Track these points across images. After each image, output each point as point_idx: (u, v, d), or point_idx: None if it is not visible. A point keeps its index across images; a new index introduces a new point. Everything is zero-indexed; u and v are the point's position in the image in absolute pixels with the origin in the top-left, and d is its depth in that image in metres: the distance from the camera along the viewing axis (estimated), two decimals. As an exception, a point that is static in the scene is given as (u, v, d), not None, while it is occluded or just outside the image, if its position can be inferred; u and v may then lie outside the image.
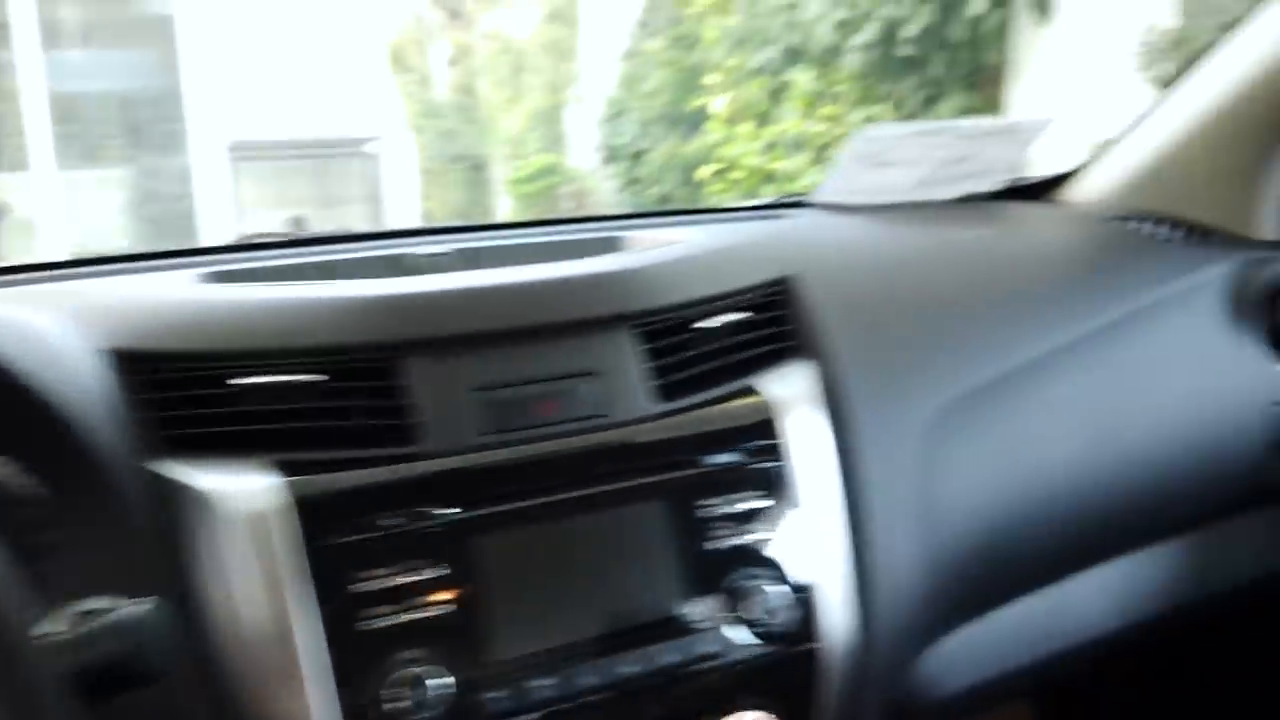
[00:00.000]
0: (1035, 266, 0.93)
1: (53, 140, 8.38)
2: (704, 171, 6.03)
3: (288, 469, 0.60)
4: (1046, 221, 1.07)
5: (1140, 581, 0.90)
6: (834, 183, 1.06)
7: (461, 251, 0.92)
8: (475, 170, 9.81)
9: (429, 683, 0.58)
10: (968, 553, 0.77)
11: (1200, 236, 0.99)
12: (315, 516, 0.59)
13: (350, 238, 0.98)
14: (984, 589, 0.81)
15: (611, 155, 7.88)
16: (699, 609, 0.67)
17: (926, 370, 0.80)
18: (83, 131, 8.81)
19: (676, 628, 0.66)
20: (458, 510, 0.63)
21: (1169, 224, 1.00)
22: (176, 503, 0.59)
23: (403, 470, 0.63)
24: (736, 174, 5.75)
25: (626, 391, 0.70)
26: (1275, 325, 0.92)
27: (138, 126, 8.99)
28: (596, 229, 1.08)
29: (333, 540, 0.60)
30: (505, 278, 0.72)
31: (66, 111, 8.58)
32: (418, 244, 0.96)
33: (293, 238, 1.00)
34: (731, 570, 0.68)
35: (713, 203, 5.62)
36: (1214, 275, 0.94)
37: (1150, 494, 0.87)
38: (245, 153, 8.94)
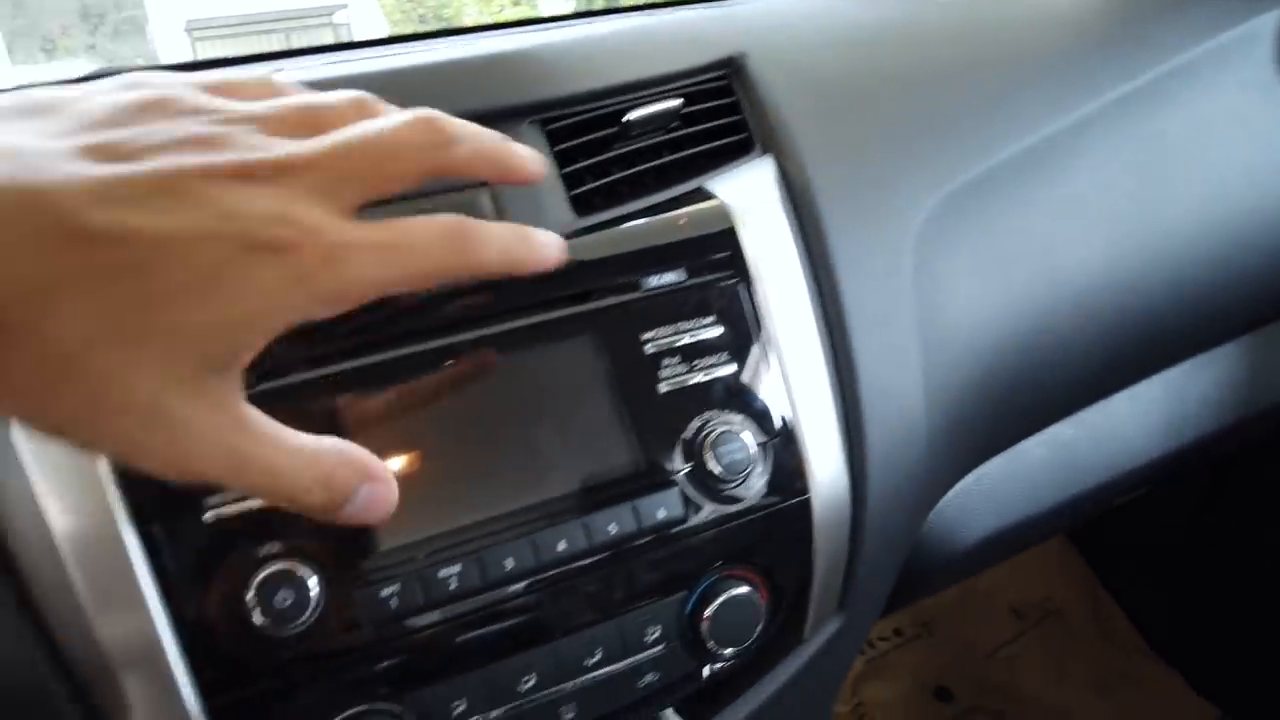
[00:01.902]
0: (1045, 24, 0.75)
1: (4, 35, 7.99)
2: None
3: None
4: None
5: (1190, 398, 0.76)
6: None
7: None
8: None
9: (295, 582, 0.46)
10: (979, 381, 0.63)
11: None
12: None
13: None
14: (1002, 422, 0.67)
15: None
16: (652, 466, 0.53)
17: (915, 160, 0.64)
18: (36, 25, 8.40)
19: (623, 491, 0.53)
20: (326, 364, 0.49)
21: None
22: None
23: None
24: None
25: (531, 204, 0.55)
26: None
27: (94, 14, 8.57)
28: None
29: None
30: (377, 65, 0.56)
31: (17, 6, 8.15)
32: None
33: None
34: (691, 417, 0.54)
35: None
36: (1268, 25, 0.77)
37: (1196, 294, 0.72)
38: (204, 31, 8.49)
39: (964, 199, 0.63)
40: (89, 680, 0.45)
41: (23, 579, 0.45)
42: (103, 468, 0.44)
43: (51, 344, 0.28)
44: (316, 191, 0.32)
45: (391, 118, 0.36)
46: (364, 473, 0.35)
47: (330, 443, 0.35)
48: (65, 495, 0.44)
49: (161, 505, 0.45)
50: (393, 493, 0.36)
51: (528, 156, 0.41)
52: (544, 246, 0.40)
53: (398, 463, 0.49)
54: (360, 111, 0.37)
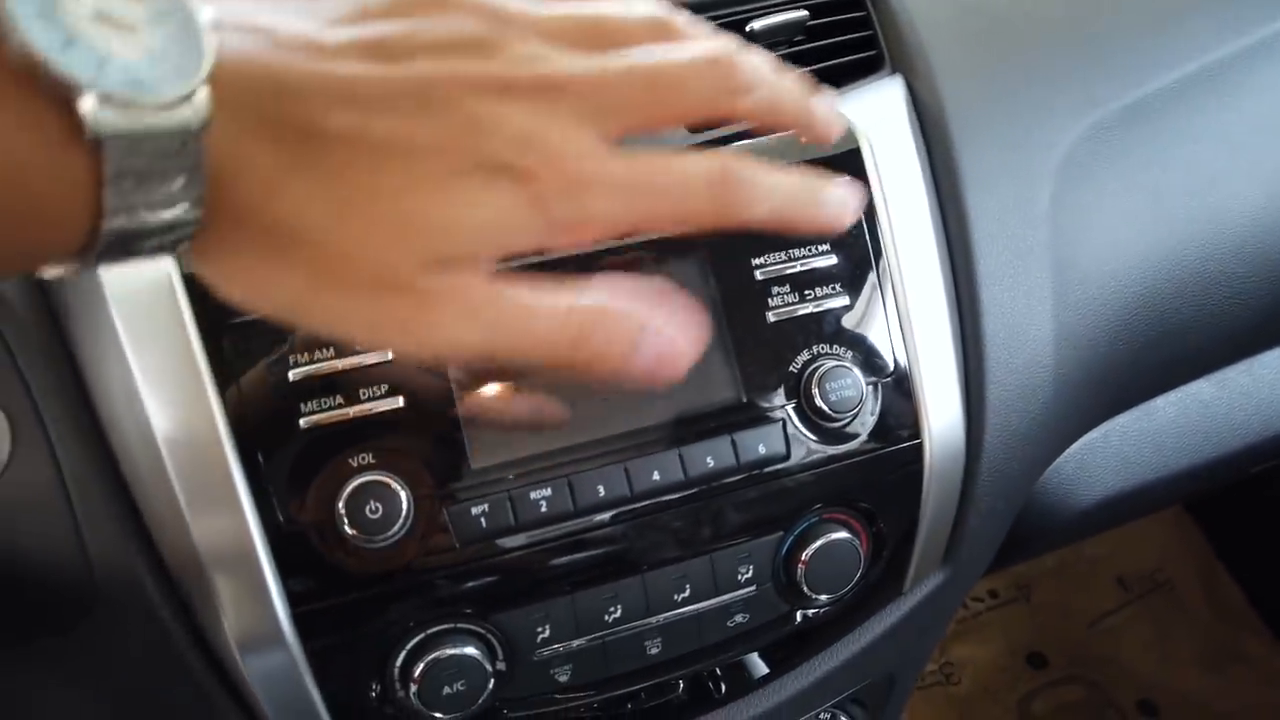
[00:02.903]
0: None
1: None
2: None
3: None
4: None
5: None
6: None
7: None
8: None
9: (386, 494, 0.45)
10: (1116, 327, 0.58)
11: None
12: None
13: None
14: (1137, 375, 0.62)
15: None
16: (754, 399, 0.51)
17: (1062, 84, 0.59)
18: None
19: (723, 424, 0.50)
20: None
21: None
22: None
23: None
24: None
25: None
26: None
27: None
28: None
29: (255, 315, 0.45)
30: None
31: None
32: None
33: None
34: (799, 349, 0.51)
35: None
36: None
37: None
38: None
39: (1116, 127, 0.58)
40: (182, 579, 0.45)
41: (122, 475, 0.45)
42: (205, 371, 0.44)
43: (278, 224, 0.28)
44: (578, 114, 0.30)
45: (686, 48, 0.33)
46: (639, 323, 0.32)
47: (589, 292, 0.32)
48: (167, 398, 0.44)
49: (260, 411, 0.45)
50: (683, 341, 0.33)
51: (829, 118, 0.36)
52: (832, 204, 0.35)
53: (493, 386, 0.48)
54: (656, 33, 0.33)
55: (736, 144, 0.53)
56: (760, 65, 0.34)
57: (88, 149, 0.25)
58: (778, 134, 0.53)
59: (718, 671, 0.62)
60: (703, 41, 0.33)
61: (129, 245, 0.27)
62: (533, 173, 0.29)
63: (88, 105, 0.25)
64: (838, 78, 0.57)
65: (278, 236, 0.28)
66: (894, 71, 0.57)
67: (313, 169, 0.28)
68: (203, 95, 0.26)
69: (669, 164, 0.32)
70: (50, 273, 0.29)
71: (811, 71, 0.56)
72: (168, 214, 0.27)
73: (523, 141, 0.30)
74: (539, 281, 0.31)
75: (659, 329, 0.32)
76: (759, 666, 0.62)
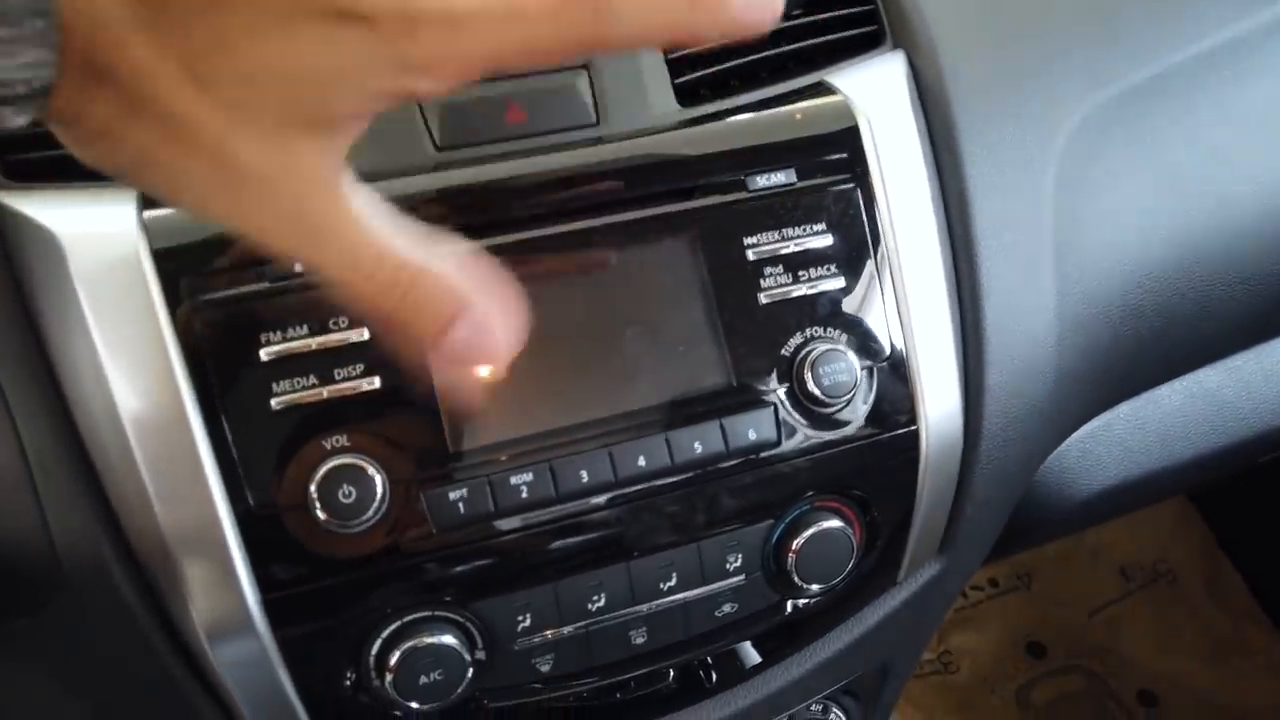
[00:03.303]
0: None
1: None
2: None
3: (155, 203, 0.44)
4: None
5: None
6: None
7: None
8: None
9: (360, 478, 0.43)
10: (1122, 312, 0.57)
11: None
12: (202, 260, 0.43)
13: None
14: (1142, 362, 0.60)
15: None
16: (745, 383, 0.49)
17: (1069, 63, 0.57)
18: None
19: (712, 408, 0.48)
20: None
21: None
22: (17, 244, 0.44)
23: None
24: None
25: (634, 92, 0.50)
26: None
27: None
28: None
29: (227, 292, 0.44)
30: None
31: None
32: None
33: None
34: (792, 332, 0.50)
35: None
36: None
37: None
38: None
39: (1124, 107, 0.56)
40: (149, 563, 0.44)
41: (88, 455, 0.43)
42: (173, 348, 0.42)
43: (128, 83, 0.27)
44: None
45: None
46: (465, 302, 0.30)
47: (440, 256, 0.30)
48: (134, 376, 0.42)
49: (229, 391, 0.43)
50: (500, 340, 0.31)
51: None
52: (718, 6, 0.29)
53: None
54: None
55: (732, 118, 0.51)
56: None
57: None
58: (772, 110, 0.52)
59: (708, 661, 0.61)
60: None
61: None
62: (371, 13, 0.28)
63: None
64: (837, 53, 0.55)
65: (127, 97, 0.28)
66: (895, 47, 0.55)
67: (159, 21, 0.27)
68: None
69: None
70: None
71: (810, 46, 0.54)
72: (25, 57, 0.26)
73: None
74: (401, 220, 0.30)
75: (483, 315, 0.31)
76: (751, 656, 0.61)
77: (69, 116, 0.28)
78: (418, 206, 0.45)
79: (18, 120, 0.28)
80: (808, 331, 0.50)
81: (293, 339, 0.43)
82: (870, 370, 0.51)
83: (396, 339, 0.31)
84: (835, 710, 0.65)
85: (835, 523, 0.52)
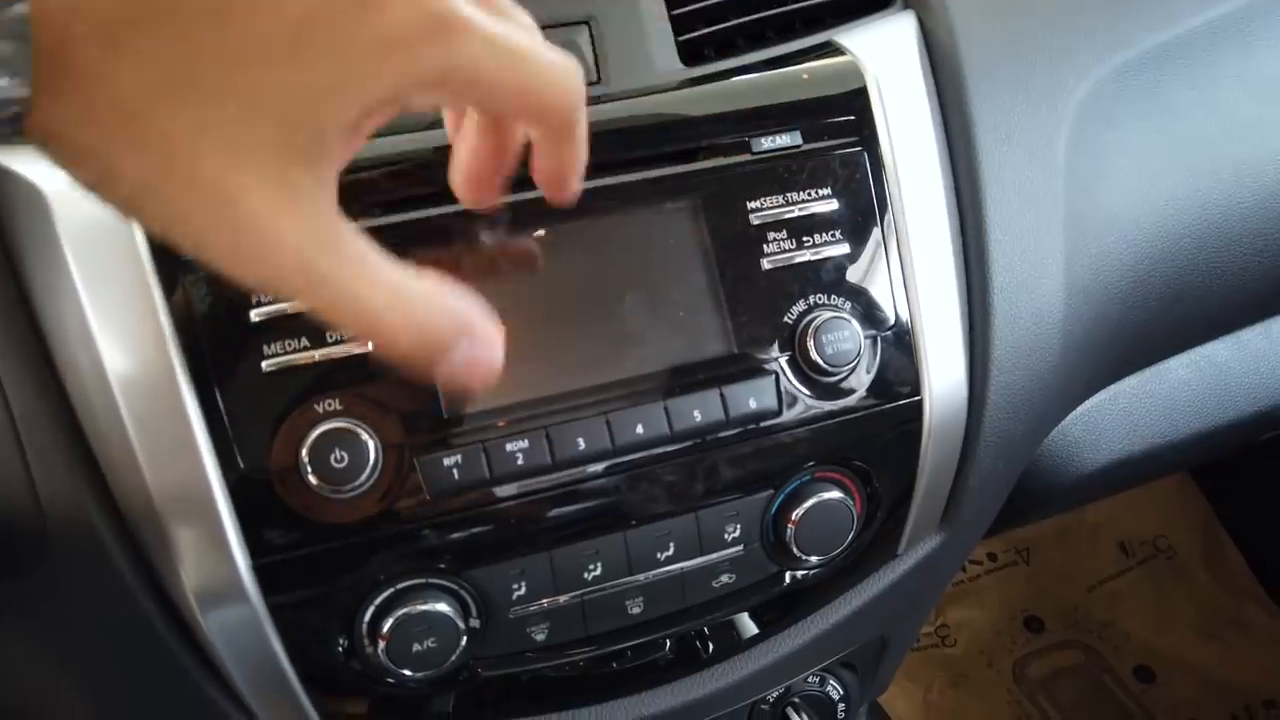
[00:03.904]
0: None
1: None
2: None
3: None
4: None
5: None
6: None
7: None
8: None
9: (352, 442, 0.42)
10: (1131, 282, 0.55)
11: None
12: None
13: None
14: (1150, 334, 0.59)
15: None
16: (746, 350, 0.48)
17: (1085, 25, 0.55)
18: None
19: (712, 376, 0.47)
20: (393, 213, 0.45)
21: None
22: (3, 200, 0.42)
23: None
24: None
25: (637, 49, 0.49)
26: None
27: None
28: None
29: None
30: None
31: None
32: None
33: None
34: (795, 299, 0.49)
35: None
36: None
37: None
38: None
39: (1139, 72, 0.54)
40: (138, 527, 0.43)
41: (74, 415, 0.43)
42: (161, 307, 0.41)
43: (121, 95, 0.26)
44: None
45: None
46: (466, 326, 0.31)
47: (431, 285, 0.31)
48: (122, 338, 0.41)
49: (219, 353, 0.42)
50: (496, 358, 0.33)
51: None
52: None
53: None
54: None
55: (737, 78, 0.50)
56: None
57: None
58: (779, 70, 0.50)
59: (705, 632, 0.60)
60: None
61: None
62: (398, 5, 0.27)
63: None
64: (846, 13, 0.53)
65: (121, 115, 0.26)
66: (906, 7, 0.54)
67: (158, 22, 0.25)
68: None
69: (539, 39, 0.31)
70: None
71: (818, 5, 0.53)
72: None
73: None
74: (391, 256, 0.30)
75: (483, 336, 0.32)
76: (748, 627, 0.61)
77: (54, 137, 0.27)
78: (413, 167, 0.44)
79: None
80: (811, 299, 0.49)
81: (284, 299, 0.42)
82: (874, 339, 0.50)
83: (399, 364, 0.31)
84: (832, 682, 0.65)
85: (836, 494, 0.51)
